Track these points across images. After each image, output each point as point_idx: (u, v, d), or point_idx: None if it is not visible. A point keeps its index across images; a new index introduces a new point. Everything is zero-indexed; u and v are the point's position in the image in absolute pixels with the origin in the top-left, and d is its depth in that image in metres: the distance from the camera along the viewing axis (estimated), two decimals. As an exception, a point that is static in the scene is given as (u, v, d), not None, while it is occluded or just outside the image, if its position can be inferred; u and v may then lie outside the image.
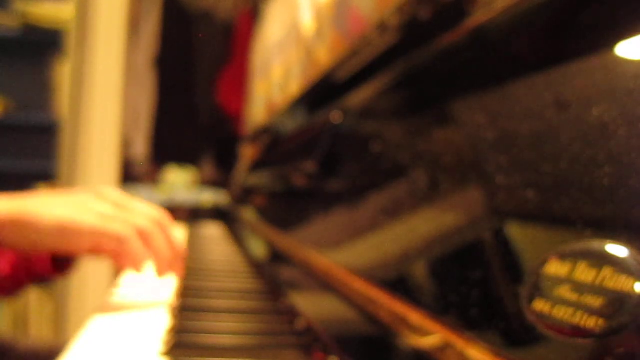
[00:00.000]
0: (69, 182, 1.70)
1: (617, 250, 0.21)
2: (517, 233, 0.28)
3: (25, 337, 1.03)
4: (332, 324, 0.44)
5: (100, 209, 0.54)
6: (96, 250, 0.55)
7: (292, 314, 0.50)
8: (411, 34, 0.55)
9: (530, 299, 0.24)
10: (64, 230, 0.52)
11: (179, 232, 0.80)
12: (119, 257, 0.53)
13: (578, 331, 0.21)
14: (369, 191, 0.49)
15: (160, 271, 0.56)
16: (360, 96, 0.64)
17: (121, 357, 0.39)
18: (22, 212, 0.53)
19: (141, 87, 2.21)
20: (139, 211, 0.56)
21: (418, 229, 0.38)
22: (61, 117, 1.96)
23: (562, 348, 0.22)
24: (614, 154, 0.24)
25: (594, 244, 0.22)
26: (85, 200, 0.55)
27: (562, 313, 0.22)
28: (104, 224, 0.53)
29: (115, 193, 0.58)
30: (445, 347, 0.29)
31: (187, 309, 0.51)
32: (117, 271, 0.55)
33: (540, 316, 0.23)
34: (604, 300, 0.21)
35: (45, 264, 0.65)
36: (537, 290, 0.24)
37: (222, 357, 0.39)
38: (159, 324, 0.48)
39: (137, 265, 0.53)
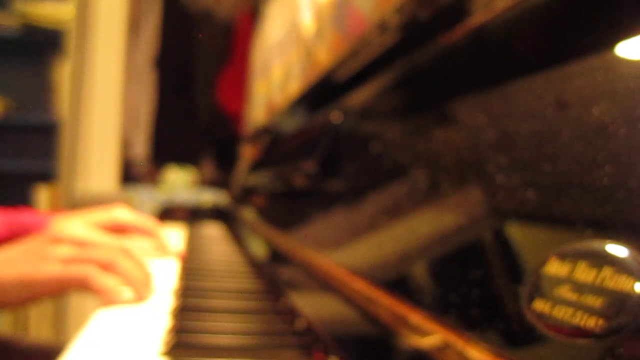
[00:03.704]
0: (69, 182, 1.70)
1: (617, 250, 0.21)
2: (517, 233, 0.28)
3: (25, 337, 1.03)
4: (332, 324, 0.44)
5: (60, 254, 0.54)
6: (67, 292, 0.56)
7: (292, 314, 0.50)
8: (411, 34, 0.55)
9: (530, 299, 0.24)
10: (27, 286, 0.53)
11: (174, 232, 0.80)
12: (92, 293, 0.54)
13: (578, 331, 0.21)
14: (369, 191, 0.49)
15: (139, 295, 0.55)
16: (360, 96, 0.64)
17: (121, 357, 0.39)
18: None
19: (141, 87, 2.21)
20: (100, 244, 0.56)
21: (418, 229, 0.38)
22: (61, 117, 1.96)
23: (562, 348, 0.22)
24: (614, 154, 0.24)
25: (594, 244, 0.22)
26: (43, 248, 0.55)
27: (562, 313, 0.22)
28: (65, 270, 0.53)
29: (73, 227, 0.57)
30: (445, 347, 0.29)
31: (187, 309, 0.51)
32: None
33: (540, 316, 0.23)
34: (604, 300, 0.21)
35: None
36: (537, 290, 0.24)
37: (222, 357, 0.39)
38: (159, 324, 0.48)
39: (111, 299, 0.53)
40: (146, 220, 0.73)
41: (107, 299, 0.53)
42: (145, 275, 0.56)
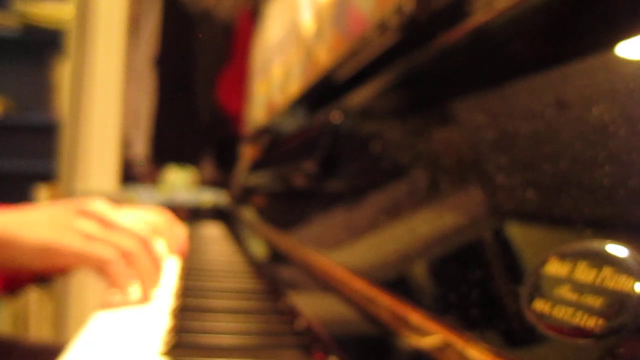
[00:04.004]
0: (69, 182, 1.70)
1: (617, 250, 0.21)
2: (517, 233, 0.28)
3: (25, 337, 1.03)
4: (332, 324, 0.44)
5: (84, 229, 0.53)
6: (82, 267, 0.55)
7: (292, 314, 0.50)
8: (411, 34, 0.55)
9: (530, 299, 0.24)
10: (46, 252, 0.52)
11: (184, 231, 0.80)
12: (104, 276, 0.53)
13: (578, 331, 0.21)
14: (369, 191, 0.49)
15: (145, 293, 0.54)
16: (360, 96, 0.64)
17: (121, 357, 0.39)
18: (2, 232, 0.52)
19: (141, 87, 2.21)
20: (124, 230, 0.55)
21: (418, 229, 0.38)
22: (61, 117, 1.96)
23: (562, 348, 0.22)
24: (614, 154, 0.24)
25: (594, 244, 0.22)
26: (69, 219, 0.54)
27: (562, 313, 0.22)
28: (87, 246, 0.52)
29: (101, 207, 0.56)
30: (445, 347, 0.29)
31: (187, 309, 0.51)
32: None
33: (540, 316, 0.23)
34: (604, 300, 0.21)
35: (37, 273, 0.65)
36: (537, 290, 0.24)
37: (222, 357, 0.39)
38: (159, 324, 0.48)
39: (120, 287, 0.52)
40: (157, 218, 0.73)
41: (115, 285, 0.52)
42: (157, 277, 0.55)
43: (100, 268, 0.52)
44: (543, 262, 0.24)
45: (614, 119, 0.24)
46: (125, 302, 0.53)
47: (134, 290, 0.54)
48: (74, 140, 1.69)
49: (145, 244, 0.55)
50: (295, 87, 1.07)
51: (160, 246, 0.74)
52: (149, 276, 0.54)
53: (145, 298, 0.54)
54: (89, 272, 0.54)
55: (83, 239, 0.52)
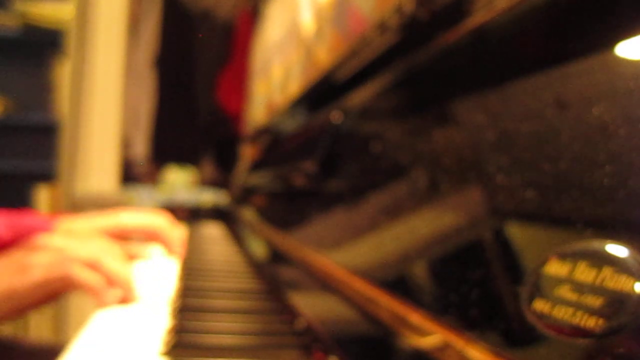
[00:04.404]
0: (69, 182, 1.70)
1: (617, 250, 0.21)
2: (517, 233, 0.28)
3: (25, 337, 1.03)
4: (332, 324, 0.44)
5: (41, 260, 0.54)
6: (62, 293, 0.55)
7: (292, 314, 0.50)
8: (411, 34, 0.55)
9: (530, 299, 0.24)
10: (10, 298, 0.53)
11: (182, 233, 0.80)
12: (79, 290, 0.53)
13: (578, 331, 0.21)
14: (369, 191, 0.49)
15: (124, 295, 0.54)
16: (360, 96, 0.64)
17: (121, 357, 0.39)
18: None
19: (141, 87, 2.21)
20: (82, 245, 0.55)
21: (418, 229, 0.38)
22: (61, 117, 1.96)
23: (562, 348, 0.22)
24: (614, 154, 0.24)
25: (594, 244, 0.22)
26: (23, 258, 0.55)
27: (562, 313, 0.22)
28: (46, 273, 0.53)
29: (55, 238, 0.57)
30: (445, 347, 0.29)
31: (187, 309, 0.51)
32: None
33: (540, 316, 0.23)
34: (604, 300, 0.21)
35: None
36: (537, 290, 0.24)
37: (222, 357, 0.39)
38: (159, 324, 0.48)
39: (98, 295, 0.52)
40: (155, 221, 0.73)
41: (94, 295, 0.52)
42: (127, 277, 0.55)
43: (69, 285, 0.53)
44: (543, 262, 0.24)
45: (614, 119, 0.24)
46: (113, 302, 0.53)
47: (114, 293, 0.54)
48: (74, 140, 1.69)
49: (105, 248, 0.55)
50: (295, 87, 1.07)
51: (153, 250, 0.74)
52: (120, 277, 0.54)
53: (124, 299, 0.54)
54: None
55: (42, 269, 0.53)
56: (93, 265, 0.53)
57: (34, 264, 0.54)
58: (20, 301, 0.53)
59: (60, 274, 0.53)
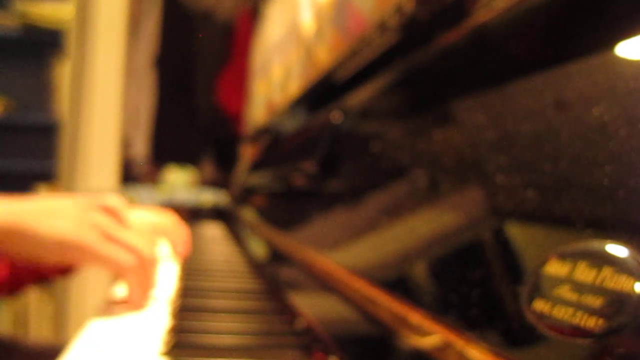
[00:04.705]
0: (69, 182, 1.70)
1: (617, 250, 0.21)
2: (517, 233, 0.28)
3: (25, 337, 1.03)
4: (332, 324, 0.44)
5: (102, 225, 0.51)
6: (97, 266, 0.53)
7: (292, 314, 0.50)
8: (411, 34, 0.55)
9: (530, 299, 0.24)
10: (64, 246, 0.49)
11: (187, 232, 0.80)
12: (120, 278, 0.51)
13: (578, 331, 0.21)
14: (369, 191, 0.49)
15: (145, 299, 0.53)
16: (360, 96, 0.64)
17: (121, 357, 0.39)
18: (19, 222, 0.49)
19: (141, 87, 2.21)
20: (140, 235, 0.53)
21: (418, 229, 0.38)
22: (61, 117, 1.96)
23: (562, 348, 0.22)
24: (614, 154, 0.24)
25: (594, 244, 0.22)
26: (87, 212, 0.51)
27: (562, 313, 0.22)
28: (107, 248, 0.50)
29: (116, 203, 0.54)
30: (445, 347, 0.29)
31: (187, 309, 0.51)
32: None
33: (540, 316, 0.23)
34: (604, 300, 0.21)
35: (50, 267, 0.65)
36: (537, 290, 0.24)
37: (222, 357, 0.39)
38: (159, 324, 0.48)
39: (135, 301, 0.51)
40: (162, 220, 0.72)
41: (131, 297, 0.51)
42: (154, 283, 0.54)
43: (118, 272, 0.51)
44: (543, 262, 0.24)
45: (614, 119, 0.24)
46: (123, 309, 0.53)
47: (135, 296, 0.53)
48: (74, 140, 1.69)
49: (152, 257, 0.53)
50: (295, 87, 1.07)
51: (164, 248, 0.74)
52: (151, 283, 0.53)
53: (142, 305, 0.53)
54: (89, 272, 0.53)
55: (102, 238, 0.50)
56: (144, 265, 0.51)
57: (96, 227, 0.50)
58: (70, 255, 0.50)
59: (116, 261, 0.49)
